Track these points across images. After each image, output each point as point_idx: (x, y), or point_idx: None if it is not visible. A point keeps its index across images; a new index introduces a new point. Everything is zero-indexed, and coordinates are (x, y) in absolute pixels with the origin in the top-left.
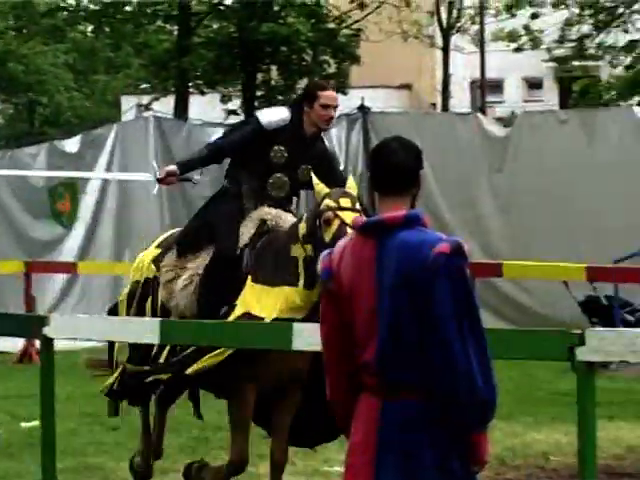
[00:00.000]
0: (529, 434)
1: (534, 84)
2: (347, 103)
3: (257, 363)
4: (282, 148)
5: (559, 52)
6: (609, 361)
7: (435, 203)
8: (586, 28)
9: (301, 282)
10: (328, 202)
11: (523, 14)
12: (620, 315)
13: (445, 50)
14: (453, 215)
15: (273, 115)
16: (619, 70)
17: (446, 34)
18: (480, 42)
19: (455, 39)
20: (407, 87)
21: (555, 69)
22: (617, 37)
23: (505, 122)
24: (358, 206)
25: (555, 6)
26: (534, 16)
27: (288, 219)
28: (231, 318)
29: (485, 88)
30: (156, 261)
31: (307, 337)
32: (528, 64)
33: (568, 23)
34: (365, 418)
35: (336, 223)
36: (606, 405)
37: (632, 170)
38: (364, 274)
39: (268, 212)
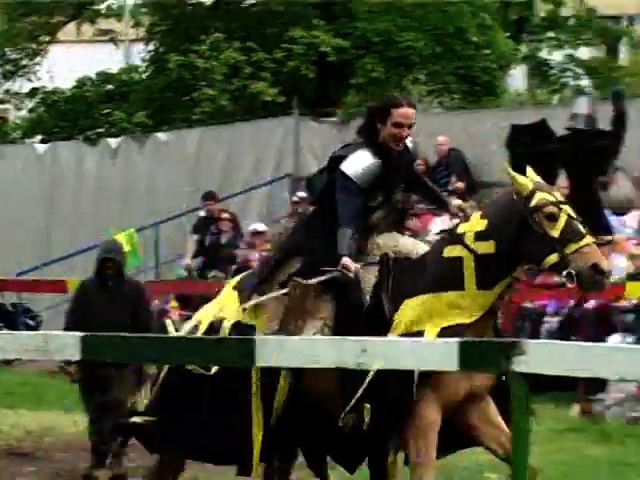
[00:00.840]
0: None
1: None
2: None
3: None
4: (379, 192)
5: None
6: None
7: None
8: None
9: (471, 283)
10: (545, 196)
11: None
12: (23, 320)
13: None
14: None
15: (363, 169)
16: (24, 112)
17: None
18: None
19: None
20: None
21: None
22: (22, 84)
23: None
24: None
25: None
26: None
27: (408, 243)
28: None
29: None
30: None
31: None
32: None
33: None
34: None
35: (564, 217)
36: (8, 395)
37: (33, 197)
38: None
39: (384, 245)
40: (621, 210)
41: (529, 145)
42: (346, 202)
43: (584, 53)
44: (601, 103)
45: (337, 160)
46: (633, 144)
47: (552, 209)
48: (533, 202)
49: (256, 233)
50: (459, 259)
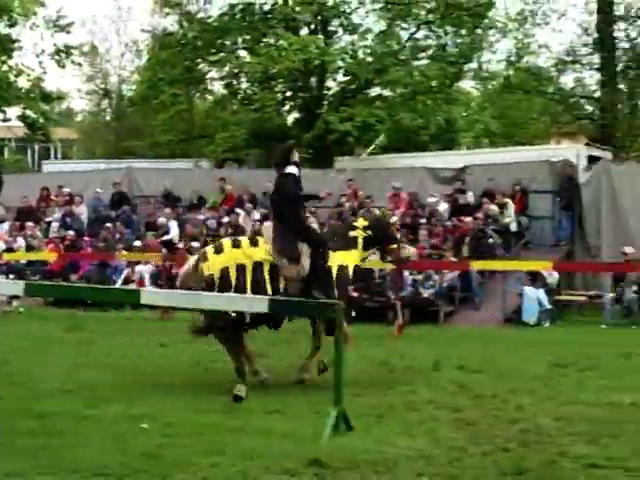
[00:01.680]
0: None
1: None
2: None
3: None
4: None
5: None
6: None
7: None
8: None
9: (360, 248)
10: (390, 220)
11: None
12: None
13: None
14: None
15: (296, 171)
16: None
17: None
18: None
19: None
20: None
21: None
22: None
23: None
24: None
25: None
26: None
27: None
28: (334, 268)
29: None
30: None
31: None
32: None
33: None
34: None
35: (399, 233)
36: None
37: None
38: None
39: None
40: None
41: None
42: (295, 187)
43: None
44: None
45: (284, 174)
46: None
47: (396, 227)
48: (386, 221)
49: None
50: (356, 237)
